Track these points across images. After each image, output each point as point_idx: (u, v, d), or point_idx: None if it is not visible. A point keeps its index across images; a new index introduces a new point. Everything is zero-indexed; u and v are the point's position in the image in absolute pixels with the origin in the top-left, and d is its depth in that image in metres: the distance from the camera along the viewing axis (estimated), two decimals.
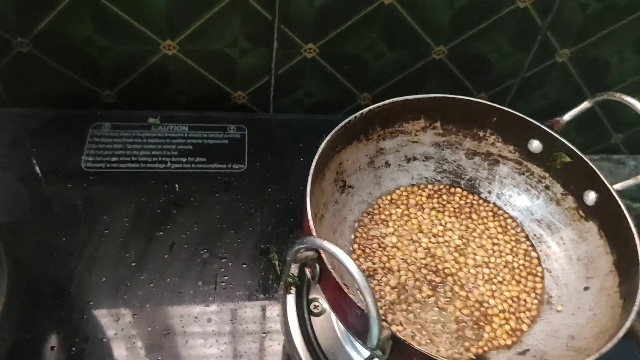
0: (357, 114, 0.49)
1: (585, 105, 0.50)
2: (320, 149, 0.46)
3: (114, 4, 0.59)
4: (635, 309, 0.41)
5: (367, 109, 0.50)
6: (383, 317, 0.47)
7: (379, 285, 0.49)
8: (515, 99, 0.76)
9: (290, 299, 0.54)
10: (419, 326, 0.47)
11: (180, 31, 0.63)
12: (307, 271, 0.40)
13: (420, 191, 0.56)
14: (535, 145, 0.52)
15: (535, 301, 0.50)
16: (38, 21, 0.60)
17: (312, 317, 0.53)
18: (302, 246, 0.36)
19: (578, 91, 0.75)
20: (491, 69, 0.71)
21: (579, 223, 0.51)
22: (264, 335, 0.53)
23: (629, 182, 0.48)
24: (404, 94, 0.69)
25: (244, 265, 0.57)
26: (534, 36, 0.68)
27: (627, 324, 0.40)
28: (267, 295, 0.56)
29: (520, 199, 0.55)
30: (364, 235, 0.52)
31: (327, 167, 0.50)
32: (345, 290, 0.38)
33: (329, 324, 0.52)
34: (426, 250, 0.51)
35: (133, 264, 0.56)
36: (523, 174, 0.55)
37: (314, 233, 0.41)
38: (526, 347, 0.47)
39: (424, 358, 0.37)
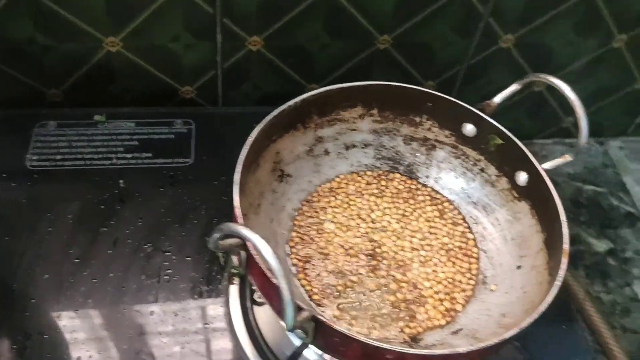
0: (291, 102, 0.50)
1: (514, 87, 0.51)
2: (250, 139, 0.46)
3: (52, 2, 0.59)
4: (557, 283, 0.42)
5: (300, 98, 0.50)
6: (318, 302, 0.48)
7: (316, 269, 0.50)
8: (463, 85, 0.77)
9: (234, 290, 0.55)
10: (356, 309, 0.48)
11: (123, 28, 0.63)
12: (234, 259, 0.41)
13: (359, 178, 0.56)
14: (469, 128, 0.53)
15: (471, 282, 0.51)
16: None
17: (254, 307, 0.53)
18: (219, 233, 0.36)
19: (524, 74, 0.76)
20: (436, 57, 0.72)
21: (512, 204, 0.52)
22: (207, 325, 0.54)
23: (557, 162, 0.49)
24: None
25: (188, 258, 0.57)
26: (476, 23, 0.69)
27: (549, 298, 0.41)
28: (211, 287, 0.56)
29: (457, 182, 0.56)
30: (302, 223, 0.53)
31: (262, 156, 0.50)
32: (269, 275, 0.38)
33: (271, 312, 0.53)
34: (364, 236, 0.52)
35: (77, 261, 0.56)
36: (459, 157, 0.55)
37: (240, 221, 0.41)
38: (459, 327, 0.47)
39: (346, 338, 0.37)
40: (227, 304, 0.55)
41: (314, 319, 0.37)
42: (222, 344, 0.53)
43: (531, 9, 0.68)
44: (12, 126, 0.66)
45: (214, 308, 0.55)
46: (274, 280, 0.38)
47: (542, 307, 0.40)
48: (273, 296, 0.40)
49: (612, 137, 0.88)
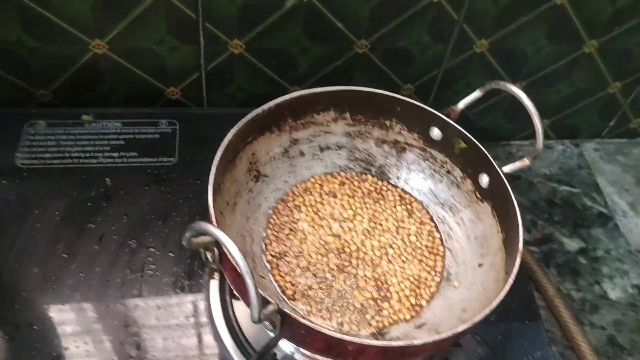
0: (265, 106, 0.53)
1: (476, 94, 0.54)
2: (225, 141, 0.49)
3: (39, 6, 0.62)
4: (510, 281, 0.45)
5: (274, 102, 0.53)
6: (291, 297, 0.51)
7: (290, 266, 0.52)
8: (440, 88, 0.79)
9: (214, 284, 0.58)
10: (327, 304, 0.50)
11: (108, 31, 0.65)
12: (209, 255, 0.44)
13: (333, 179, 0.59)
14: (436, 132, 0.56)
15: (436, 278, 0.53)
16: None
17: (234, 301, 0.56)
18: (191, 232, 0.39)
19: (500, 78, 0.79)
20: (414, 61, 0.75)
21: (476, 205, 0.55)
22: (188, 319, 0.56)
23: (516, 165, 0.52)
24: (332, 86, 0.72)
25: (171, 254, 0.60)
26: (451, 28, 0.72)
27: (502, 294, 0.44)
28: (192, 281, 0.59)
29: (426, 183, 0.59)
30: (277, 221, 0.55)
31: (239, 157, 0.53)
32: (239, 270, 0.41)
33: None
34: (336, 235, 0.55)
35: (64, 255, 0.59)
36: (427, 159, 0.58)
37: (213, 219, 0.44)
38: (423, 321, 0.50)
39: (310, 330, 0.40)
40: (207, 298, 0.57)
41: (281, 312, 0.40)
42: (202, 336, 0.55)
43: (503, 15, 0.71)
44: (2, 125, 0.68)
45: (195, 302, 0.57)
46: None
47: (494, 304, 0.43)
48: (243, 290, 0.42)
49: (587, 139, 0.91)
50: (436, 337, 0.41)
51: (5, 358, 0.52)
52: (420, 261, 0.54)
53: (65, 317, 0.55)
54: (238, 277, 0.42)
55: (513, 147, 0.88)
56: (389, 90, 0.77)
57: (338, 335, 0.39)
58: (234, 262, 0.36)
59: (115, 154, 0.67)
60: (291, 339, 0.43)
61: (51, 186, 0.64)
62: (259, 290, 0.40)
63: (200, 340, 0.55)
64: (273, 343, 0.49)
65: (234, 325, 0.55)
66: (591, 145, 0.90)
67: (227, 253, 0.37)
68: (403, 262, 0.54)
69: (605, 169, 0.88)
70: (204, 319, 0.56)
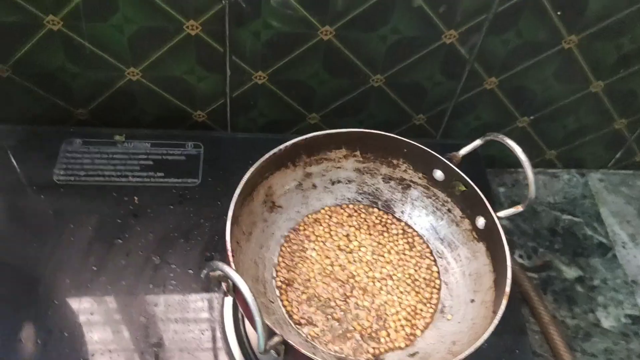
0: (282, 146, 0.57)
1: (477, 142, 0.58)
2: (245, 178, 0.54)
3: (82, 38, 0.67)
4: (496, 321, 0.49)
5: (291, 142, 0.58)
6: (297, 322, 0.56)
7: (297, 293, 0.58)
8: (451, 119, 0.83)
9: (228, 302, 0.63)
10: (330, 330, 0.55)
11: (142, 60, 0.71)
12: (224, 286, 0.49)
13: (342, 210, 0.64)
14: (439, 174, 0.61)
15: (431, 310, 0.58)
16: (16, 51, 0.68)
17: (245, 319, 0.61)
18: (208, 269, 0.44)
19: (508, 113, 0.83)
20: (426, 95, 0.79)
21: (472, 243, 0.59)
22: (203, 333, 0.62)
23: (510, 211, 0.56)
24: (348, 115, 0.77)
25: (190, 271, 0.66)
26: (462, 67, 0.76)
27: (485, 335, 0.48)
28: (208, 298, 0.64)
29: (428, 219, 0.63)
30: (288, 249, 0.60)
31: (256, 190, 0.58)
32: (249, 309, 0.46)
33: None
34: (342, 265, 0.60)
35: (94, 268, 0.65)
36: (430, 197, 0.63)
37: (230, 257, 0.49)
38: (416, 350, 0.55)
39: None
40: (221, 314, 0.63)
41: (285, 343, 0.45)
42: (215, 349, 0.61)
43: (512, 56, 0.74)
44: (43, 142, 0.74)
45: (210, 318, 0.63)
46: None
47: (478, 343, 0.47)
48: (252, 319, 0.48)
49: (593, 169, 0.94)
50: None
51: None
52: (418, 293, 0.59)
53: (93, 326, 0.61)
54: (248, 309, 0.47)
55: (520, 175, 0.91)
56: (401, 120, 0.82)
57: None
58: (245, 301, 0.41)
59: (144, 174, 0.73)
60: None
61: (85, 202, 0.70)
62: (266, 322, 0.45)
63: (213, 355, 0.61)
64: None
65: (245, 344, 0.60)
66: (597, 176, 0.93)
67: (241, 293, 0.42)
68: (401, 292, 0.58)
69: (609, 199, 0.91)
70: (218, 334, 0.62)
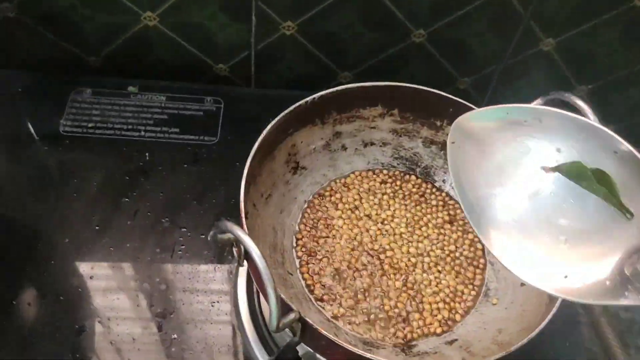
0: (309, 98, 0.50)
1: (537, 102, 0.50)
2: (264, 132, 0.47)
3: None
4: (554, 310, 0.41)
5: (319, 94, 0.50)
6: (318, 298, 0.49)
7: (320, 265, 0.50)
8: (499, 85, 0.75)
9: (242, 271, 0.56)
10: (355, 309, 0.48)
11: (160, 4, 0.64)
12: (235, 251, 0.42)
13: (375, 176, 0.56)
14: None
15: (473, 293, 0.51)
16: None
17: (260, 293, 0.55)
18: (216, 230, 0.38)
19: (564, 80, 0.74)
20: (472, 55, 0.71)
21: None
22: (213, 304, 0.55)
23: None
24: (384, 75, 0.69)
25: (202, 236, 0.59)
26: (516, 24, 0.67)
27: (542, 325, 0.41)
28: (220, 266, 0.58)
29: None
30: (312, 216, 0.53)
31: (278, 148, 0.51)
32: (262, 279, 0.39)
33: None
34: (370, 236, 0.52)
35: (97, 228, 0.59)
36: None
37: (243, 219, 0.42)
38: (455, 337, 0.48)
39: (331, 343, 0.38)
40: (234, 286, 0.56)
41: (302, 321, 0.38)
42: (226, 322, 0.54)
43: (575, 14, 0.65)
44: (51, 90, 0.68)
45: (222, 288, 0.56)
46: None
47: (533, 334, 0.40)
48: (264, 291, 0.41)
49: None
50: None
51: (28, 326, 0.52)
52: (459, 273, 0.51)
53: (91, 291, 0.55)
54: (260, 279, 0.40)
55: None
56: (443, 83, 0.74)
57: (360, 352, 0.37)
58: (257, 270, 0.35)
59: (158, 129, 0.66)
60: (312, 347, 0.41)
61: (92, 156, 0.64)
62: (281, 295, 0.39)
63: (223, 329, 0.54)
64: (294, 343, 0.48)
65: (258, 317, 0.54)
66: None
67: (250, 257, 0.35)
68: (439, 272, 0.51)
69: None
70: (229, 306, 0.55)
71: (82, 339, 0.52)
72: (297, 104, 0.49)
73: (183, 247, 0.58)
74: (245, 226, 0.42)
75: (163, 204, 0.61)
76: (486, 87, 0.76)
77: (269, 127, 0.47)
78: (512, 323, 0.46)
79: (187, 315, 0.54)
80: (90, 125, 0.66)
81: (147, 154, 0.64)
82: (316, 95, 0.50)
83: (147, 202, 0.61)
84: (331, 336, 0.37)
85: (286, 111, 0.48)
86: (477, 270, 0.52)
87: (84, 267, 0.56)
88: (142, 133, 0.66)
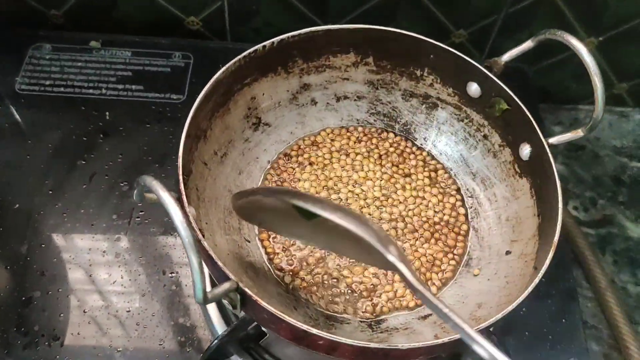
0: (267, 42, 0.44)
1: (527, 44, 0.43)
2: (212, 80, 0.42)
3: None
4: (536, 280, 0.36)
5: (278, 38, 0.44)
6: (278, 268, 0.44)
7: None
8: (499, 37, 0.68)
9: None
10: (319, 279, 0.43)
11: None
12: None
13: (348, 134, 0.51)
14: (474, 88, 0.46)
15: (453, 262, 0.45)
16: None
17: None
18: (138, 187, 0.33)
19: (572, 31, 0.67)
20: (469, 4, 0.64)
21: (513, 179, 0.45)
22: (172, 274, 0.51)
23: (566, 136, 0.42)
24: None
25: None
26: None
27: (520, 298, 0.35)
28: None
29: (458, 148, 0.49)
30: (276, 178, 0.48)
31: (234, 100, 0.45)
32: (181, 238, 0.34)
33: None
34: (340, 200, 0.47)
35: (50, 192, 0.54)
36: (462, 120, 0.49)
37: (180, 175, 0.37)
38: (429, 312, 0.42)
39: (272, 316, 0.33)
40: None
41: (240, 291, 0.33)
42: (186, 292, 0.50)
43: None
44: (7, 46, 0.64)
45: (182, 257, 0.52)
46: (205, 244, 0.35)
47: (511, 307, 0.34)
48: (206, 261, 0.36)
49: None
50: (427, 343, 0.33)
51: None
52: (438, 239, 0.46)
53: (43, 260, 0.51)
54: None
55: (581, 112, 0.77)
56: (436, 37, 0.67)
57: (304, 327, 0.32)
58: (178, 231, 0.29)
59: (120, 86, 0.61)
60: (257, 321, 0.37)
61: (48, 116, 0.59)
62: (219, 263, 0.34)
63: (181, 300, 0.50)
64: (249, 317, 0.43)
65: None
66: None
67: (171, 218, 0.30)
68: (415, 239, 0.45)
69: None
70: (188, 276, 0.51)
71: (28, 312, 0.48)
72: (253, 49, 0.43)
73: (142, 213, 0.54)
74: (182, 185, 0.37)
75: (122, 166, 0.56)
76: (485, 40, 0.69)
77: (218, 73, 0.42)
78: (493, 297, 0.41)
79: (143, 286, 0.50)
80: (48, 83, 0.61)
81: (107, 114, 0.59)
82: (275, 40, 0.44)
83: (105, 165, 0.56)
84: (271, 308, 0.32)
85: (240, 56, 0.43)
86: (459, 237, 0.46)
87: (34, 234, 0.52)
88: (104, 91, 0.61)
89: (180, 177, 0.37)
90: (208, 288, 0.31)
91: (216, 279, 0.36)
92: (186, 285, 0.50)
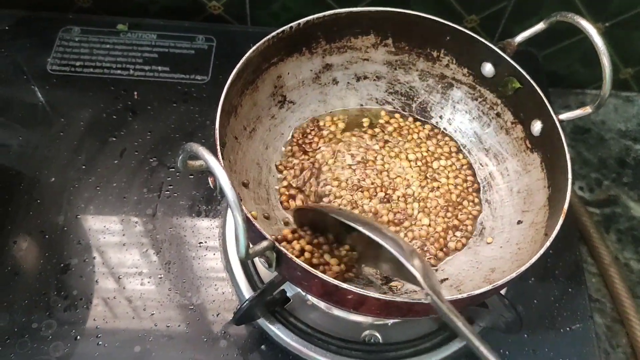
0: (293, 24, 0.47)
1: (539, 26, 0.46)
2: (243, 59, 0.44)
3: None
4: (547, 243, 0.39)
5: (304, 20, 0.47)
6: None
7: (306, 202, 0.48)
8: (510, 22, 0.71)
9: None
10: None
11: None
12: (210, 181, 0.40)
13: (367, 112, 0.53)
14: (488, 68, 0.49)
15: (467, 232, 0.48)
16: None
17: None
18: (183, 154, 0.35)
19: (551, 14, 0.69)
20: None
21: (524, 154, 0.48)
22: (200, 244, 0.54)
23: (575, 113, 0.45)
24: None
25: (191, 176, 0.57)
26: None
27: (534, 259, 0.38)
28: (209, 207, 0.56)
29: (472, 125, 0.52)
30: (297, 153, 0.51)
31: (261, 79, 0.48)
32: (227, 199, 0.37)
33: None
34: (361, 174, 0.50)
35: (83, 167, 0.57)
36: (476, 99, 0.51)
37: (217, 144, 0.40)
38: (445, 276, 0.45)
39: (307, 273, 0.36)
40: (223, 225, 0.55)
41: (276, 250, 0.36)
42: (213, 261, 0.53)
43: None
44: (39, 29, 0.66)
45: (210, 227, 0.55)
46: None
47: (523, 268, 0.37)
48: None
49: None
50: (447, 298, 0.36)
51: (12, 263, 0.51)
52: (454, 209, 0.48)
53: (77, 230, 0.54)
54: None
55: (588, 97, 0.78)
56: (448, 21, 0.70)
57: (335, 282, 0.35)
58: (222, 190, 0.32)
59: (147, 67, 0.64)
60: (289, 279, 0.39)
61: (79, 95, 0.62)
62: (255, 224, 0.36)
63: (209, 266, 0.53)
64: (278, 280, 0.46)
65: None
66: None
67: (217, 181, 0.32)
68: (430, 210, 0.48)
69: None
70: (216, 245, 0.54)
71: (67, 277, 0.51)
72: (281, 30, 0.46)
73: (171, 187, 0.57)
74: (220, 154, 0.40)
75: (151, 143, 0.59)
76: (496, 25, 0.71)
77: (248, 53, 0.44)
78: (506, 262, 0.44)
79: (174, 255, 0.53)
80: (78, 64, 0.64)
81: (135, 93, 0.62)
82: (301, 21, 0.47)
83: (135, 142, 0.59)
84: (305, 265, 0.35)
85: (268, 37, 0.46)
86: (475, 209, 0.49)
87: (69, 206, 0.55)
88: (131, 72, 0.64)
89: (218, 147, 0.40)
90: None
91: (251, 240, 0.38)
92: (214, 255, 0.53)
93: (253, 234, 0.38)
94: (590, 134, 0.75)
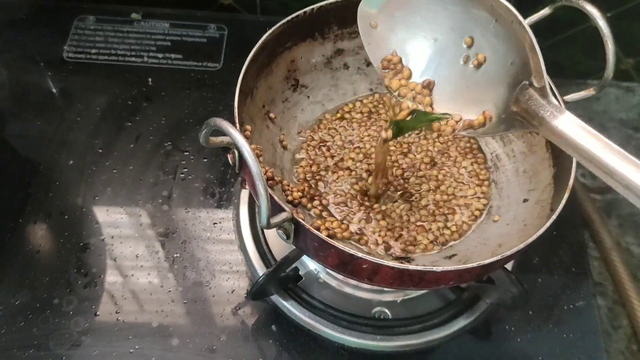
0: (307, 9, 0.49)
1: (545, 11, 0.48)
2: (259, 43, 0.46)
3: None
4: (554, 217, 0.40)
5: (318, 5, 0.49)
6: (319, 215, 0.48)
7: (323, 180, 0.50)
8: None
9: (245, 194, 0.56)
10: (356, 221, 0.48)
11: None
12: (229, 157, 0.41)
13: (378, 97, 0.55)
14: None
15: (477, 212, 0.50)
16: None
17: None
18: (207, 128, 0.37)
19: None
20: None
21: (530, 136, 0.50)
22: (215, 224, 0.55)
23: (580, 95, 0.46)
24: None
25: (205, 160, 0.59)
26: None
27: (540, 231, 0.39)
28: (223, 189, 0.57)
29: None
30: (313, 135, 0.52)
31: (276, 62, 0.50)
32: (249, 169, 0.38)
33: None
34: (374, 157, 0.51)
35: (100, 151, 0.59)
36: None
37: (236, 119, 0.42)
38: (454, 252, 0.47)
39: (324, 244, 0.38)
40: (237, 206, 0.56)
41: (294, 221, 0.38)
42: (227, 242, 0.55)
43: None
44: (54, 17, 0.68)
45: (224, 208, 0.56)
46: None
47: (530, 239, 0.39)
48: (255, 190, 0.40)
49: None
50: (458, 267, 0.37)
51: (34, 242, 0.53)
52: (461, 190, 0.50)
53: (97, 210, 0.55)
54: (252, 178, 0.39)
55: (590, 87, 0.79)
56: None
57: (351, 252, 0.37)
58: (245, 162, 0.34)
59: (160, 55, 0.66)
60: (305, 250, 0.41)
61: (95, 82, 0.63)
62: (275, 197, 0.38)
63: (224, 248, 0.54)
64: (292, 255, 0.47)
65: (259, 234, 0.54)
66: None
67: (240, 151, 0.34)
68: (446, 188, 0.50)
69: None
70: (230, 226, 0.55)
71: (86, 256, 0.53)
72: (295, 14, 0.48)
73: (185, 170, 0.58)
74: (237, 126, 0.41)
75: (165, 128, 0.61)
76: None
77: (264, 36, 0.46)
78: (513, 238, 0.45)
79: (189, 235, 0.55)
80: (93, 51, 0.65)
81: (149, 80, 0.64)
82: (315, 6, 0.48)
83: (150, 127, 0.61)
84: (322, 235, 0.37)
85: (283, 21, 0.47)
86: (483, 189, 0.50)
87: (87, 188, 0.56)
88: (145, 59, 0.65)
89: (237, 123, 0.41)
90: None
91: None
92: (228, 235, 0.55)
93: (272, 207, 0.39)
94: (592, 123, 0.75)
